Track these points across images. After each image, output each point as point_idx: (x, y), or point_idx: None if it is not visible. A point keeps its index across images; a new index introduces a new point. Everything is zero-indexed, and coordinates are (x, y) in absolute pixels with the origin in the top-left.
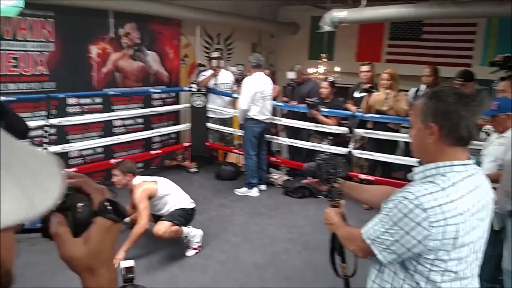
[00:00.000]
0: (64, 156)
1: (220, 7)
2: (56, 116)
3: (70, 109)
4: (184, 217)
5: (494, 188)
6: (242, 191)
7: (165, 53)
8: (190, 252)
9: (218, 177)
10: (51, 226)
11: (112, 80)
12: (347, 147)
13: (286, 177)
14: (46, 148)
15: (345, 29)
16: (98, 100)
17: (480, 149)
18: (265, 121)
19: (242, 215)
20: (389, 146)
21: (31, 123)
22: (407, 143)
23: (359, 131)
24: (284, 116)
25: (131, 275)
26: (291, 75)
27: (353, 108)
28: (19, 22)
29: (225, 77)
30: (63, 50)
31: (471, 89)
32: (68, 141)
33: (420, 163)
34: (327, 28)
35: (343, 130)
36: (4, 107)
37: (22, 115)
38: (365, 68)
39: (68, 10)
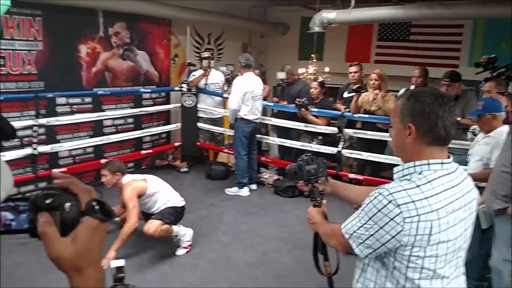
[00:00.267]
0: (54, 156)
1: (210, 7)
2: (45, 116)
3: (59, 109)
4: (174, 215)
5: (480, 187)
6: (233, 190)
7: (155, 53)
8: (180, 251)
9: (208, 176)
10: (38, 226)
11: (101, 80)
12: (336, 147)
13: (276, 177)
14: (35, 148)
15: (334, 29)
16: (87, 99)
17: (467, 149)
18: (255, 121)
19: (233, 215)
20: (378, 146)
21: (20, 123)
22: None
23: (348, 131)
24: (274, 116)
25: (121, 275)
26: (281, 75)
27: (341, 108)
28: (6, 20)
29: (216, 77)
30: (52, 49)
31: (457, 90)
32: (57, 141)
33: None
34: (316, 28)
35: (332, 130)
36: None
37: (10, 114)
38: (353, 68)
39: (56, 9)
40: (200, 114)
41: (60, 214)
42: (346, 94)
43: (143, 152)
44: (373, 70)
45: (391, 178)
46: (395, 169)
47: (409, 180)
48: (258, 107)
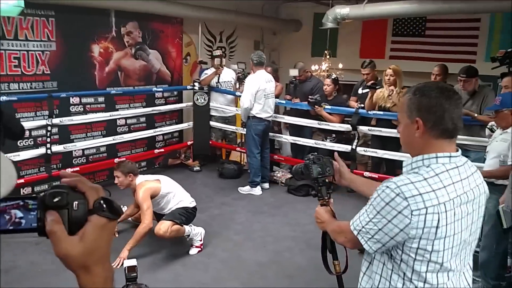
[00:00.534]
0: (67, 156)
1: (222, 5)
2: (58, 116)
3: (72, 109)
4: (185, 216)
5: (496, 184)
6: (245, 189)
7: (168, 52)
8: (192, 251)
9: (221, 175)
10: (46, 224)
11: (114, 79)
12: (350, 145)
13: (289, 175)
14: (49, 148)
15: (348, 25)
16: (100, 99)
17: (485, 146)
18: (268, 119)
19: (245, 214)
20: (393, 143)
21: (34, 123)
22: None
23: (363, 128)
24: (287, 113)
25: (134, 274)
26: (293, 72)
27: (355, 104)
28: (21, 21)
29: (227, 75)
30: (65, 49)
31: (474, 85)
32: (71, 141)
33: None
34: (329, 25)
35: (346, 127)
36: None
37: (25, 114)
38: (366, 71)
39: (69, 9)
40: (212, 113)
41: (68, 212)
42: (360, 91)
43: (155, 151)
44: (388, 66)
45: None
46: (404, 163)
47: (416, 173)
48: (270, 105)
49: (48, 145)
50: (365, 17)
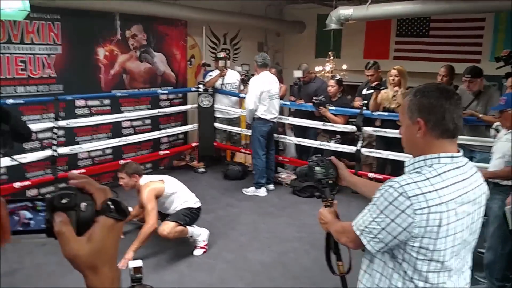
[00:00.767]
0: (73, 158)
1: (226, 7)
2: (64, 118)
3: (78, 111)
4: (189, 216)
5: (501, 185)
6: (250, 190)
7: (172, 54)
8: (197, 252)
9: (225, 177)
10: (55, 225)
11: (119, 82)
12: (355, 146)
13: (294, 177)
14: (55, 150)
15: (351, 26)
16: (106, 101)
17: (490, 146)
18: (273, 120)
19: (250, 215)
20: (398, 144)
21: (40, 125)
22: None
23: (367, 129)
24: (291, 115)
25: (139, 275)
26: (297, 73)
27: (357, 104)
28: (27, 25)
29: (232, 77)
30: (70, 52)
31: (479, 86)
32: (77, 143)
33: None
34: (333, 26)
35: (351, 128)
36: (7, 111)
37: (31, 117)
38: (370, 72)
39: (74, 13)
40: (217, 114)
41: (76, 213)
42: (365, 91)
43: (160, 152)
44: (392, 67)
45: None
46: (406, 163)
47: (419, 173)
48: (275, 106)
49: (54, 147)
50: (368, 18)
